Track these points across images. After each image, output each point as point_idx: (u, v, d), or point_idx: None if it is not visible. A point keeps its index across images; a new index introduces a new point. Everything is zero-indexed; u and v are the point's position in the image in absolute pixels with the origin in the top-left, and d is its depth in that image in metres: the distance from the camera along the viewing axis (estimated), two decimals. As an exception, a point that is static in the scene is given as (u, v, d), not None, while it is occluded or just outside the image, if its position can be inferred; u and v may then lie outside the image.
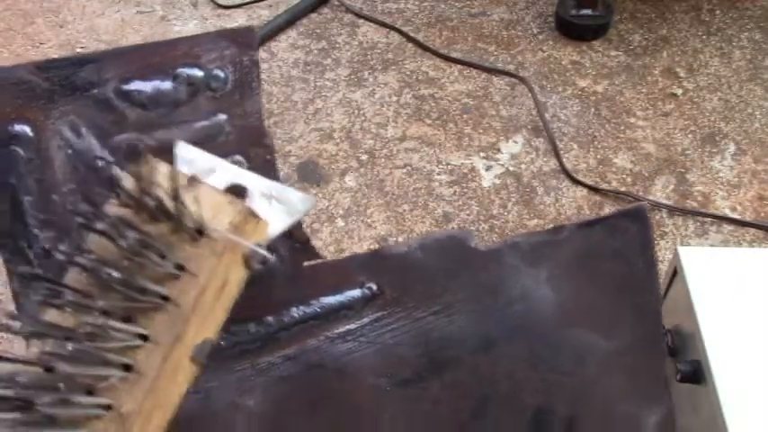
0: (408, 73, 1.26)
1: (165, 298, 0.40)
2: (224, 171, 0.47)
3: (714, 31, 1.31)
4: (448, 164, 1.10)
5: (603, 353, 0.50)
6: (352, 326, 0.51)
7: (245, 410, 0.49)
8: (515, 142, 1.13)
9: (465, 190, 1.06)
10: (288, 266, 0.51)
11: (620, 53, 1.28)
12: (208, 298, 0.41)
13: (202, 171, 0.46)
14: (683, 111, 1.17)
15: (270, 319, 0.51)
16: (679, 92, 1.20)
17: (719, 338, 0.59)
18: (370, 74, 1.26)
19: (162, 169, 0.43)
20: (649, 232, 0.50)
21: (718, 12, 1.36)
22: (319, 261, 0.52)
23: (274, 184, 0.47)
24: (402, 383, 0.50)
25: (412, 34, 1.33)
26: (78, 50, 1.36)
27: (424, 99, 1.21)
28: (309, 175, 1.09)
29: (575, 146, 1.11)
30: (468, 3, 1.42)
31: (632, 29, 1.33)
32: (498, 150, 1.11)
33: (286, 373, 0.49)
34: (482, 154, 1.11)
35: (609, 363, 0.50)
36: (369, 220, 1.02)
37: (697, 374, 0.59)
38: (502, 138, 1.13)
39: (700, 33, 1.31)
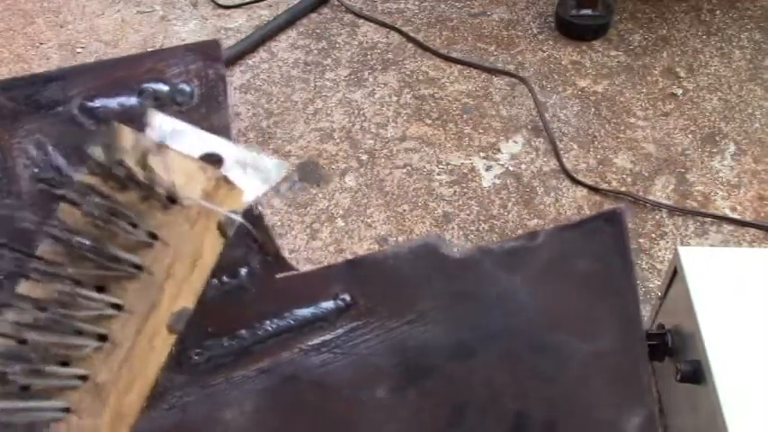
0: (408, 73, 1.26)
1: (138, 267, 0.40)
2: (197, 139, 0.46)
3: (714, 31, 1.31)
4: (448, 164, 1.10)
5: (583, 356, 0.50)
6: (327, 337, 0.51)
7: (222, 424, 0.49)
8: (515, 142, 1.13)
9: (465, 190, 1.06)
10: (260, 279, 0.51)
11: (620, 53, 1.28)
12: (182, 265, 0.40)
13: (175, 139, 0.46)
14: (683, 111, 1.17)
15: (243, 332, 0.51)
16: (679, 92, 1.20)
17: (719, 338, 0.59)
18: (370, 74, 1.26)
19: (130, 136, 0.42)
20: (625, 234, 0.50)
21: (718, 12, 1.36)
22: (292, 273, 0.52)
23: (248, 152, 0.46)
24: (379, 394, 0.50)
25: (412, 34, 1.33)
26: (78, 51, 1.36)
27: (424, 99, 1.21)
28: (309, 175, 1.09)
29: (575, 146, 1.11)
30: (468, 3, 1.42)
31: (632, 29, 1.33)
32: (498, 150, 1.11)
33: (261, 386, 0.49)
34: (482, 154, 1.11)
35: (588, 366, 0.50)
36: (369, 220, 1.02)
37: (697, 374, 0.59)
38: (502, 138, 1.13)
39: (700, 33, 1.31)
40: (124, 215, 0.40)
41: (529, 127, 1.15)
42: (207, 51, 0.51)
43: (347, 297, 0.51)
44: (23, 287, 0.41)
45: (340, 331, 0.51)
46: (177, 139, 0.46)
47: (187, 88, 0.51)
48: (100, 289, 0.39)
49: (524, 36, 1.33)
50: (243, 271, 0.51)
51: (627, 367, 0.50)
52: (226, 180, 0.42)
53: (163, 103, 0.51)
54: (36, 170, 0.49)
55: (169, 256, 0.40)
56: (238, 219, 0.42)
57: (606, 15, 1.30)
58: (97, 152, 0.41)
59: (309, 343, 0.51)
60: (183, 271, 0.40)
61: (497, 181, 1.06)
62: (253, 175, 0.45)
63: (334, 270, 0.50)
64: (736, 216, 0.99)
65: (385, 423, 0.50)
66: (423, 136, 1.14)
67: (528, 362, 0.50)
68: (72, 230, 0.39)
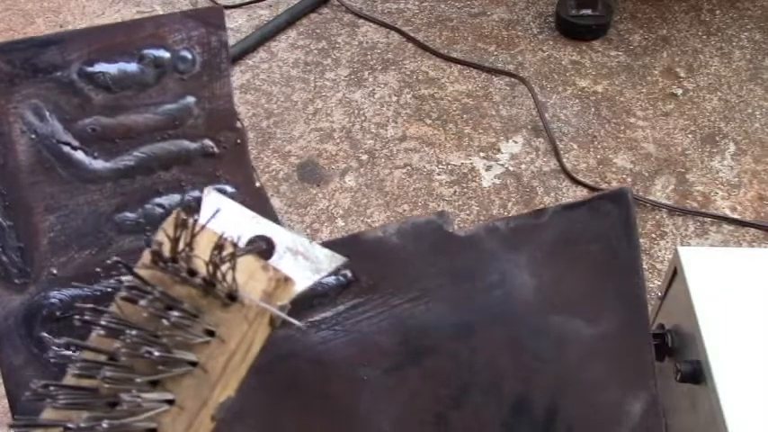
0: (408, 73, 1.26)
1: (194, 363, 0.39)
2: (250, 222, 0.46)
3: (714, 31, 1.31)
4: (448, 164, 1.10)
5: (586, 338, 0.49)
6: (327, 314, 0.49)
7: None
8: (515, 142, 1.13)
9: (465, 190, 1.06)
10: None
11: (620, 53, 1.28)
12: (236, 362, 0.40)
13: (228, 222, 0.45)
14: (683, 111, 1.17)
15: None
16: (679, 92, 1.20)
17: (719, 338, 0.59)
18: (370, 74, 1.26)
19: (204, 236, 0.41)
20: (632, 215, 0.49)
21: (718, 12, 1.36)
22: None
23: (300, 239, 0.46)
24: (379, 373, 0.49)
25: (412, 34, 1.33)
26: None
27: (424, 99, 1.21)
28: (309, 175, 1.09)
29: (575, 146, 1.11)
30: (468, 3, 1.42)
31: (632, 29, 1.33)
32: (498, 150, 1.11)
33: (259, 363, 0.49)
34: (482, 154, 1.11)
35: (592, 349, 0.49)
36: (369, 220, 1.02)
37: (697, 374, 0.59)
38: (502, 138, 1.13)
39: (700, 33, 1.31)
40: (183, 310, 0.39)
41: (529, 127, 1.15)
42: (209, 18, 0.50)
43: (348, 273, 0.50)
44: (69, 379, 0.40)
45: (341, 308, 0.50)
46: (229, 218, 0.45)
47: (189, 55, 0.50)
48: (153, 383, 0.39)
49: (524, 36, 1.33)
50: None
51: (631, 349, 0.49)
52: (285, 278, 0.42)
53: (164, 71, 0.50)
54: (33, 136, 0.48)
55: (225, 355, 0.40)
56: (296, 323, 0.42)
57: (606, 15, 1.30)
58: (164, 242, 0.41)
59: (309, 319, 0.49)
60: (236, 366, 0.40)
61: (497, 181, 1.07)
62: (303, 265, 0.45)
63: (335, 245, 0.49)
64: (736, 216, 0.99)
65: (385, 402, 0.49)
66: (423, 136, 1.14)
67: (531, 343, 0.49)
68: (127, 324, 0.39)
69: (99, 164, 0.49)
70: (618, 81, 1.22)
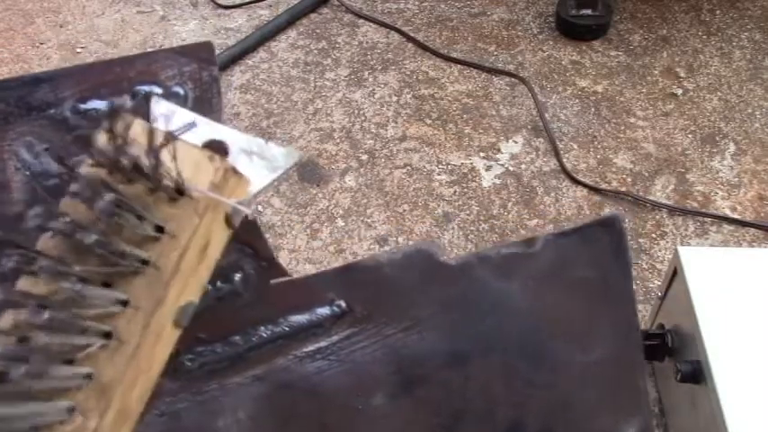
0: (408, 73, 1.26)
1: (145, 261, 0.39)
2: (203, 126, 0.45)
3: (714, 31, 1.32)
4: (448, 164, 1.10)
5: (579, 365, 0.49)
6: (322, 344, 0.50)
7: (212, 430, 0.48)
8: (515, 142, 1.13)
9: (465, 190, 1.06)
10: (254, 285, 0.50)
11: (620, 53, 1.28)
12: (189, 260, 0.39)
13: (180, 127, 0.45)
14: (683, 111, 1.17)
15: (237, 338, 0.50)
16: (679, 92, 1.20)
17: (719, 338, 0.59)
18: (370, 74, 1.26)
19: (138, 126, 0.40)
20: (624, 241, 0.50)
21: (718, 12, 1.36)
22: (286, 279, 0.51)
23: (255, 140, 0.45)
24: (374, 402, 0.49)
25: (412, 34, 1.33)
26: (78, 51, 1.36)
27: (424, 99, 1.21)
28: (309, 175, 1.09)
29: (575, 146, 1.11)
30: (469, 3, 1.42)
31: (632, 29, 1.33)
32: (498, 150, 1.11)
33: (255, 393, 0.48)
34: (482, 154, 1.11)
35: (585, 375, 0.49)
36: (369, 220, 1.02)
37: (697, 374, 0.59)
38: (502, 138, 1.13)
39: (700, 33, 1.31)
40: (131, 208, 0.38)
41: (529, 127, 1.15)
42: (200, 54, 0.50)
43: (342, 303, 0.50)
44: (23, 284, 0.40)
45: (335, 338, 0.50)
46: (183, 127, 0.45)
47: (181, 91, 0.51)
48: (104, 284, 0.38)
49: (524, 36, 1.33)
50: (236, 276, 0.50)
51: (624, 376, 0.50)
52: (234, 170, 0.41)
53: None
54: (27, 173, 0.48)
55: (177, 250, 0.39)
56: (247, 210, 0.41)
57: (606, 15, 1.30)
58: (102, 140, 0.40)
59: (304, 350, 0.50)
60: (190, 265, 0.39)
61: (497, 181, 1.07)
62: (260, 164, 0.44)
63: (328, 276, 0.50)
64: (736, 216, 0.99)
65: (379, 431, 0.49)
66: (423, 136, 1.14)
67: (524, 370, 0.49)
68: (77, 224, 0.38)
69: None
70: (618, 81, 1.22)
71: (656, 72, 1.24)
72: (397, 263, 0.50)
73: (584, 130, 1.14)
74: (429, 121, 1.17)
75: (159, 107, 0.46)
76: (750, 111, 1.16)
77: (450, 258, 0.50)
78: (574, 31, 1.30)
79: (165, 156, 0.38)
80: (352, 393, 0.49)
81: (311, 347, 0.50)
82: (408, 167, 1.09)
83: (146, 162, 0.38)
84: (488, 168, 1.09)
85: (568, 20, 1.30)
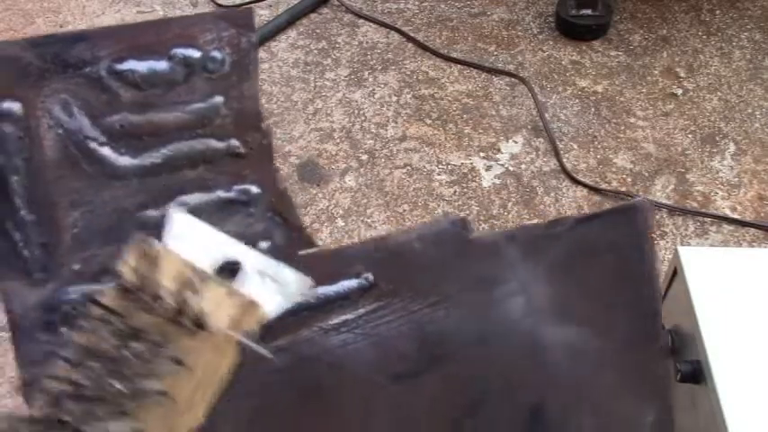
0: (408, 73, 1.26)
1: (161, 392, 0.39)
2: (218, 244, 0.46)
3: (714, 31, 1.31)
4: (448, 164, 1.10)
5: (600, 349, 0.50)
6: (348, 317, 0.50)
7: (235, 402, 0.48)
8: (515, 142, 1.13)
9: (465, 190, 1.06)
10: (283, 254, 0.49)
11: (620, 53, 1.28)
12: (204, 390, 0.40)
13: (196, 244, 0.45)
14: (683, 111, 1.17)
15: None
16: (679, 92, 1.20)
17: (719, 338, 0.59)
18: (370, 74, 1.26)
19: (168, 263, 0.41)
20: (648, 227, 0.50)
21: (718, 12, 1.36)
22: (315, 250, 0.51)
23: (270, 261, 0.46)
24: (397, 378, 0.49)
25: (412, 34, 1.33)
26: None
27: (424, 99, 1.21)
28: (309, 175, 1.09)
29: (575, 146, 1.11)
30: (469, 3, 1.42)
31: (632, 29, 1.33)
32: (498, 150, 1.11)
33: (279, 364, 0.48)
34: (482, 154, 1.11)
35: (606, 359, 0.50)
36: (369, 220, 1.02)
37: (697, 374, 0.59)
38: (502, 138, 1.13)
39: (700, 33, 1.31)
40: (150, 338, 0.39)
41: (529, 127, 1.15)
42: (239, 20, 0.50)
43: (370, 277, 0.50)
44: (38, 406, 0.40)
45: (361, 311, 0.50)
46: (196, 241, 0.45)
47: (219, 55, 0.50)
48: (121, 412, 0.39)
49: (524, 36, 1.33)
50: (265, 245, 0.49)
51: (644, 362, 0.50)
52: (252, 304, 0.42)
53: (193, 70, 0.50)
54: (60, 131, 0.47)
55: (193, 383, 0.40)
56: (267, 354, 0.42)
57: (606, 15, 1.30)
58: (127, 271, 0.40)
59: (330, 322, 0.49)
60: (203, 395, 0.40)
61: (497, 181, 1.07)
62: (272, 288, 0.45)
63: (357, 249, 0.50)
64: (736, 216, 0.99)
65: (402, 407, 0.49)
66: (423, 136, 1.14)
67: (546, 352, 0.50)
68: (91, 352, 0.39)
69: (125, 160, 0.49)
70: (618, 81, 1.22)
71: (656, 72, 1.24)
72: (427, 238, 0.50)
73: (584, 130, 1.14)
74: (429, 121, 1.17)
75: (176, 222, 0.46)
76: (750, 111, 1.16)
77: (478, 236, 0.50)
78: (574, 31, 1.30)
79: (192, 296, 0.40)
80: (375, 368, 0.49)
81: (336, 320, 0.49)
82: (408, 167, 1.09)
83: (172, 296, 0.39)
84: (488, 168, 1.09)
85: (568, 20, 1.30)
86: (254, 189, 0.50)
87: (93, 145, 0.49)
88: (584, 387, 0.50)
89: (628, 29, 1.33)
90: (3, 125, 0.48)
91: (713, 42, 1.29)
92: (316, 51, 1.32)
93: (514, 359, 0.50)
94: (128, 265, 0.42)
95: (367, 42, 1.33)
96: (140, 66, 0.49)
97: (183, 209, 0.48)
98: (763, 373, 0.57)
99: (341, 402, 0.49)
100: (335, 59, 1.30)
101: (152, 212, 0.49)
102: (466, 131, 1.15)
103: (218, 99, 0.50)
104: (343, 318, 0.50)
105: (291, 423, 0.48)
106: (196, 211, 0.49)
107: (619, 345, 0.50)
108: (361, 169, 1.09)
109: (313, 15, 1.40)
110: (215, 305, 0.41)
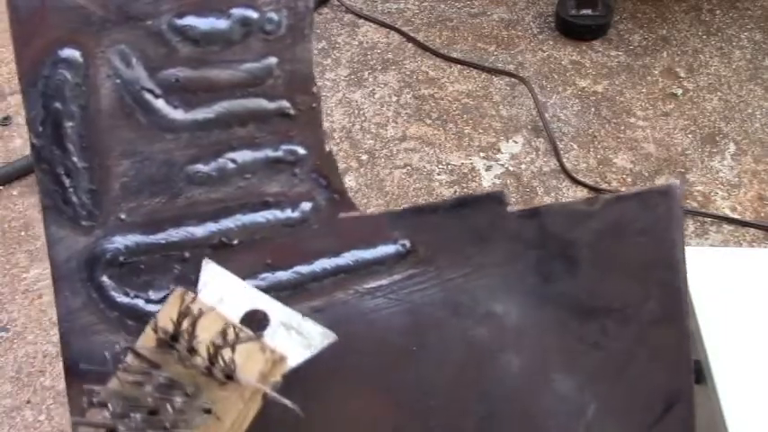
0: (408, 73, 1.26)
1: None
2: (245, 295, 0.47)
3: (714, 31, 1.31)
4: (448, 164, 1.10)
5: (628, 328, 0.51)
6: (383, 282, 0.50)
7: None
8: (515, 142, 1.13)
9: (465, 190, 1.06)
10: (323, 216, 0.50)
11: (620, 53, 1.28)
12: None
13: (224, 293, 0.47)
14: (683, 111, 1.17)
15: (301, 268, 0.50)
16: (679, 92, 1.20)
17: (719, 338, 0.59)
18: (370, 74, 1.26)
19: (205, 317, 0.43)
20: (679, 210, 0.51)
21: (718, 12, 1.36)
22: (355, 214, 0.51)
23: (294, 314, 0.47)
24: (428, 345, 0.50)
25: (412, 34, 1.33)
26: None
27: (424, 99, 1.21)
28: (309, 175, 1.09)
29: (575, 146, 1.11)
30: (469, 3, 1.42)
31: (632, 29, 1.33)
32: (498, 150, 1.11)
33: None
34: (482, 154, 1.11)
35: (632, 338, 0.51)
36: (369, 220, 1.02)
37: (697, 374, 0.59)
38: (502, 138, 1.13)
39: (700, 33, 1.31)
40: (182, 388, 0.41)
41: (529, 127, 1.15)
42: None
43: (407, 243, 0.50)
44: None
45: (397, 277, 0.50)
46: (224, 290, 0.47)
47: (276, 17, 0.51)
48: None
49: (524, 36, 1.33)
50: (307, 206, 0.50)
51: (670, 342, 0.51)
52: (281, 359, 0.44)
53: (250, 30, 0.51)
54: (118, 81, 0.48)
55: None
56: (295, 408, 0.43)
57: (606, 15, 1.30)
58: (166, 322, 0.42)
59: (365, 286, 0.50)
60: None
61: (497, 181, 1.06)
62: (297, 340, 0.47)
63: (397, 215, 0.50)
64: (736, 216, 0.99)
65: (432, 374, 0.50)
66: (423, 136, 1.14)
67: (575, 328, 0.50)
68: (130, 402, 0.40)
69: (178, 114, 0.50)
70: (618, 81, 1.22)
71: (656, 72, 1.24)
72: (466, 207, 0.51)
73: (585, 130, 1.14)
74: (429, 121, 1.17)
75: (206, 271, 0.48)
76: (750, 111, 1.16)
77: (517, 209, 0.51)
78: (574, 31, 1.30)
79: (227, 352, 0.41)
80: (407, 334, 0.50)
81: (372, 284, 0.50)
82: (408, 167, 1.09)
83: (206, 348, 0.41)
84: (488, 168, 1.09)
85: (568, 20, 1.30)
86: (301, 150, 0.51)
87: (148, 97, 0.50)
88: (611, 363, 0.51)
89: (628, 29, 1.33)
90: (62, 72, 0.49)
91: (713, 42, 1.29)
92: (316, 51, 1.32)
93: (544, 332, 0.50)
94: (167, 316, 0.43)
95: (367, 42, 1.33)
96: (200, 22, 0.50)
97: (213, 262, 0.49)
98: (763, 373, 0.57)
99: (372, 367, 0.50)
100: (335, 59, 1.30)
101: (201, 167, 0.50)
102: (466, 131, 1.15)
103: (272, 60, 0.51)
104: (379, 283, 0.50)
105: (323, 386, 0.49)
106: (244, 168, 0.50)
107: (646, 324, 0.51)
108: (362, 169, 1.09)
109: (313, 15, 1.40)
110: (246, 358, 0.43)
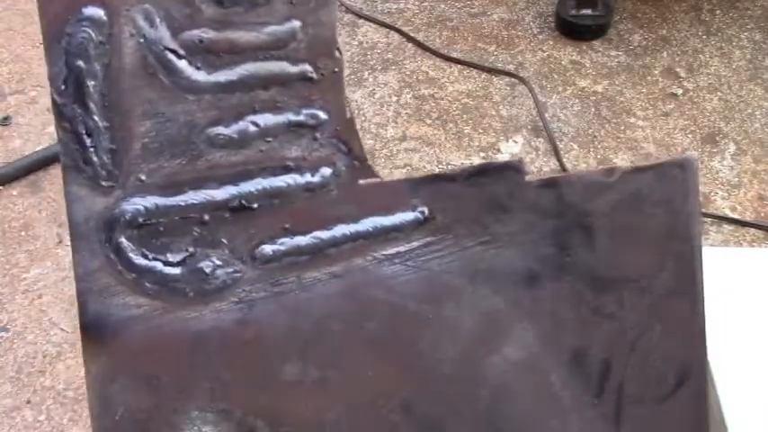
0: (408, 73, 1.26)
1: None
2: None
3: (714, 31, 1.31)
4: (448, 164, 1.10)
5: (643, 299, 0.51)
6: (401, 249, 0.51)
7: (284, 326, 0.49)
8: (515, 142, 1.13)
9: (465, 190, 1.06)
10: (343, 182, 0.51)
11: (620, 53, 1.28)
12: None
13: None
14: (683, 111, 1.17)
15: (320, 233, 0.50)
16: (679, 92, 1.20)
17: (719, 338, 0.59)
18: (370, 74, 1.26)
19: None
20: (695, 182, 0.51)
21: (718, 12, 1.36)
22: (375, 180, 0.51)
23: None
24: (444, 313, 0.51)
25: (412, 34, 1.33)
26: (78, 50, 1.36)
27: (424, 99, 1.21)
28: (309, 175, 1.09)
29: (575, 146, 1.11)
30: (469, 3, 1.42)
31: (632, 29, 1.33)
32: (498, 150, 1.11)
33: (331, 291, 0.50)
34: (482, 154, 1.11)
35: (647, 309, 0.51)
36: (369, 220, 1.02)
37: (697, 374, 0.59)
38: (502, 138, 1.13)
39: (700, 33, 1.31)
40: None
41: (529, 127, 1.15)
42: None
43: (425, 210, 0.51)
44: None
45: (414, 244, 0.51)
46: None
47: None
48: None
49: (524, 36, 1.33)
50: (327, 171, 0.51)
51: (684, 314, 0.52)
52: None
53: None
54: (142, 40, 0.49)
55: None
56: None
57: (606, 15, 1.30)
58: None
59: (383, 252, 0.51)
60: None
61: (497, 181, 1.07)
62: None
63: (416, 182, 0.50)
64: (736, 216, 0.99)
65: (447, 342, 0.51)
66: (423, 136, 1.14)
67: (591, 299, 0.51)
68: None
69: (201, 75, 0.50)
70: (618, 81, 1.22)
71: (656, 72, 1.24)
72: (484, 176, 0.51)
73: (584, 130, 1.14)
74: (429, 121, 1.17)
75: None
76: (750, 111, 1.16)
77: (535, 178, 0.51)
78: (574, 31, 1.30)
79: None
80: (424, 301, 0.51)
81: (390, 251, 0.51)
82: (408, 167, 1.09)
83: None
84: (488, 168, 1.09)
85: (568, 20, 1.30)
86: (323, 115, 0.51)
87: (171, 57, 0.50)
88: (626, 334, 0.51)
89: (628, 29, 1.33)
90: (85, 30, 0.49)
91: (713, 42, 1.29)
92: (316, 51, 1.32)
93: (559, 302, 0.51)
94: None
95: (367, 42, 1.33)
96: None
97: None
98: (764, 373, 0.57)
99: (388, 333, 0.50)
100: (335, 59, 1.30)
101: (222, 129, 0.50)
102: (466, 131, 1.15)
103: (296, 23, 0.51)
104: (396, 249, 0.51)
105: (339, 352, 0.50)
106: (265, 131, 0.50)
107: (661, 294, 0.51)
108: (361, 169, 1.09)
109: (313, 15, 1.40)
110: None
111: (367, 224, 0.51)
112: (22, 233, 1.04)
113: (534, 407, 0.52)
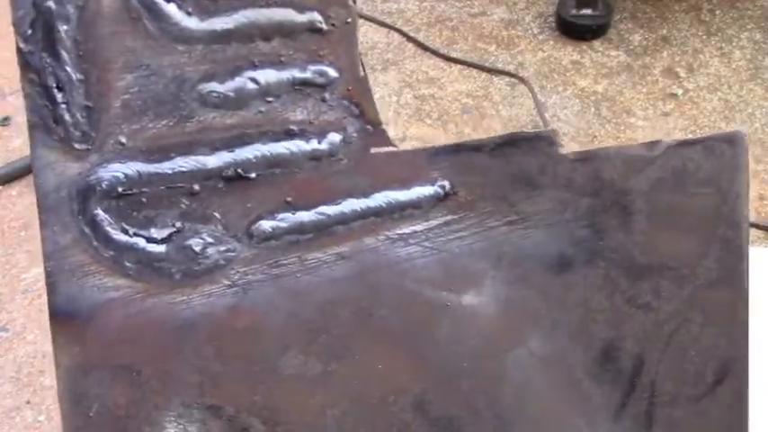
0: (408, 73, 1.26)
1: None
2: None
3: (714, 31, 1.32)
4: (448, 164, 1.10)
5: (682, 289, 0.46)
6: (417, 227, 0.44)
7: (284, 313, 0.44)
8: (515, 142, 1.13)
9: (465, 190, 1.06)
10: (354, 150, 0.45)
11: (620, 53, 1.28)
12: None
13: None
14: (683, 111, 1.17)
15: (326, 208, 0.44)
16: (679, 92, 1.20)
17: (720, 338, 0.59)
18: (370, 74, 1.26)
19: None
20: (744, 159, 0.47)
21: (718, 12, 1.36)
22: (390, 149, 0.46)
23: None
24: (464, 301, 0.45)
25: (412, 34, 1.33)
26: (78, 50, 1.36)
27: (424, 99, 1.21)
28: (309, 175, 1.09)
29: (575, 146, 1.11)
30: (468, 3, 1.42)
31: (632, 29, 1.33)
32: (498, 150, 1.12)
33: (337, 274, 0.44)
34: (482, 154, 1.11)
35: (686, 300, 0.46)
36: (369, 220, 1.02)
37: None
38: (502, 138, 1.14)
39: (700, 33, 1.31)
40: None
41: (529, 127, 1.15)
42: None
43: (446, 185, 0.45)
44: None
45: (433, 223, 0.45)
46: None
47: None
48: None
49: (524, 36, 1.33)
50: (336, 137, 0.45)
51: (726, 306, 0.47)
52: None
53: None
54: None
55: None
56: None
57: (606, 15, 1.30)
58: None
59: (397, 231, 0.44)
60: None
61: (497, 181, 1.07)
62: None
63: (437, 152, 0.44)
64: (736, 216, 0.99)
65: (465, 334, 0.45)
66: (423, 136, 1.14)
67: (626, 287, 0.46)
68: None
69: (192, 22, 0.43)
70: (618, 81, 1.22)
71: (656, 72, 1.24)
72: (513, 147, 0.45)
73: (585, 130, 1.14)
74: (429, 121, 1.17)
75: None
76: (750, 111, 1.16)
77: (570, 151, 0.45)
78: (574, 31, 1.30)
79: None
80: (441, 288, 0.45)
81: (405, 230, 0.44)
82: (408, 167, 1.09)
83: None
84: (488, 168, 1.09)
85: (568, 20, 1.30)
86: (332, 72, 0.45)
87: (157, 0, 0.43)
88: (662, 327, 0.46)
89: (628, 29, 1.33)
90: None
91: (713, 42, 1.29)
92: (316, 51, 1.32)
93: (591, 291, 0.46)
94: None
95: (367, 42, 1.33)
96: None
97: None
98: (764, 373, 0.57)
99: (400, 323, 0.45)
100: (335, 59, 1.30)
101: (216, 86, 0.43)
102: (466, 131, 1.15)
103: None
104: (412, 228, 0.44)
105: (347, 344, 0.45)
106: (266, 90, 0.43)
107: (702, 284, 0.46)
108: (361, 169, 1.09)
109: (313, 15, 1.40)
110: None
111: (379, 199, 0.45)
112: (22, 233, 1.04)
113: (559, 406, 0.46)
